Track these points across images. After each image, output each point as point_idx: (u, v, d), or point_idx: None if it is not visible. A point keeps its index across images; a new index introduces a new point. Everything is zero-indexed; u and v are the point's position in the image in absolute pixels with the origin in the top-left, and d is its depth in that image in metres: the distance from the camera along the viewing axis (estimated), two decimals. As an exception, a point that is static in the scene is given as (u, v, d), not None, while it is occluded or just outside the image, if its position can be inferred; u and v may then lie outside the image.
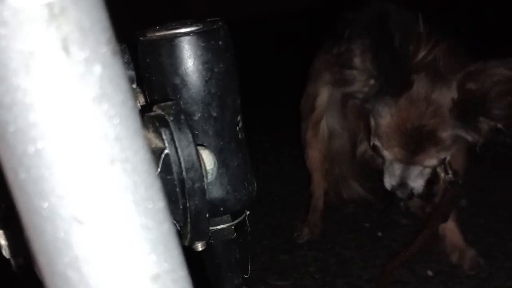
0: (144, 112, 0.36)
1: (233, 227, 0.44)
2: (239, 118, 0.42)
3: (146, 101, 0.42)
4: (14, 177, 0.20)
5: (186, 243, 0.38)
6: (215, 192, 0.41)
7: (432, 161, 1.07)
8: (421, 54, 1.00)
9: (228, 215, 0.43)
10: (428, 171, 1.13)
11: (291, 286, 1.22)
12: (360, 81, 1.04)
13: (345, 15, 1.28)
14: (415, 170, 1.11)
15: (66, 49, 0.19)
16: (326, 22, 1.40)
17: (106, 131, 0.20)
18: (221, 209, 0.42)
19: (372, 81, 1.02)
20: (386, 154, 1.09)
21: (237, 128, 0.42)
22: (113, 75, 0.20)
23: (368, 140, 1.15)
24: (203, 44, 0.38)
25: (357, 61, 1.02)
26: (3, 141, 0.20)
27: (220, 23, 0.40)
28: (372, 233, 1.42)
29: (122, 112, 0.20)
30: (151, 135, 0.35)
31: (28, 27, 0.19)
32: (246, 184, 0.42)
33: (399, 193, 1.14)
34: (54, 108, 0.19)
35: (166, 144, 0.35)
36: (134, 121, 0.21)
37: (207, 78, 0.39)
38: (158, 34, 0.38)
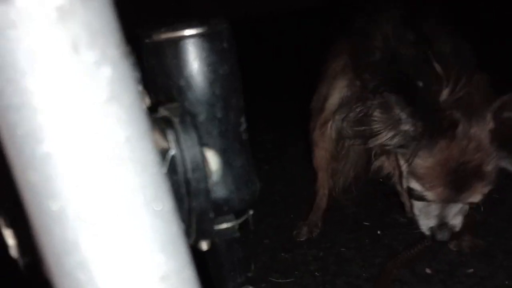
0: (149, 113, 0.36)
1: (236, 226, 0.44)
2: (242, 118, 0.42)
3: (151, 102, 0.43)
4: (23, 179, 0.20)
5: (191, 243, 0.38)
6: (219, 191, 0.41)
7: (478, 197, 1.05)
8: (445, 92, 1.00)
9: (232, 214, 0.44)
10: (466, 207, 1.09)
11: (291, 285, 1.22)
12: (387, 131, 1.03)
13: (361, 13, 1.30)
14: (454, 208, 1.08)
15: (75, 51, 0.19)
16: (330, 20, 1.41)
17: (116, 133, 0.20)
18: (225, 208, 0.42)
19: (402, 128, 1.01)
20: (429, 195, 1.06)
21: (241, 128, 0.42)
22: (123, 77, 0.21)
23: (400, 183, 1.13)
24: (208, 46, 0.38)
25: (377, 114, 1.02)
26: (12, 143, 0.20)
27: (224, 24, 0.40)
28: (372, 232, 1.43)
29: (132, 114, 0.20)
30: (157, 136, 0.35)
31: (37, 29, 0.19)
32: (249, 184, 0.43)
33: (439, 235, 1.09)
34: (63, 110, 0.20)
35: (172, 145, 0.35)
36: (143, 122, 0.21)
37: (211, 80, 0.39)
38: (163, 36, 0.38)
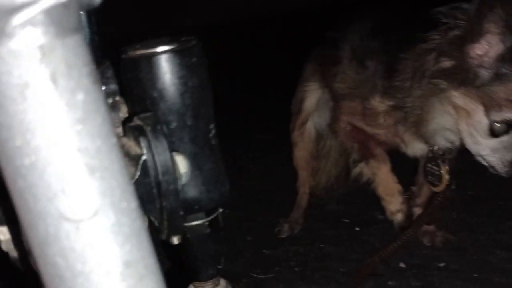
0: (126, 122, 0.40)
1: (207, 223, 0.49)
2: (212, 126, 0.46)
3: (128, 110, 0.47)
4: (13, 184, 0.25)
5: (164, 238, 0.42)
6: (190, 192, 0.46)
7: None
8: None
9: (203, 212, 0.48)
10: None
11: (272, 280, 1.27)
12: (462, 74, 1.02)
13: (335, 24, 1.36)
14: None
15: (54, 81, 0.24)
16: (326, 21, 1.47)
17: (88, 146, 0.25)
18: (196, 207, 0.46)
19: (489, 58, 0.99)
20: None
21: (210, 135, 0.46)
22: (94, 100, 0.25)
23: (475, 130, 1.06)
24: (178, 61, 0.43)
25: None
26: (4, 154, 0.24)
27: (193, 41, 0.45)
28: (351, 228, 1.48)
29: (101, 131, 0.25)
30: (131, 143, 0.40)
31: (24, 64, 0.24)
32: (218, 185, 0.47)
33: None
34: (46, 128, 0.24)
35: (144, 151, 0.39)
36: (111, 137, 0.26)
37: (182, 91, 0.44)
38: (138, 52, 0.43)
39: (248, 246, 1.44)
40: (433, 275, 1.22)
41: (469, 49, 0.99)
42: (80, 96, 0.25)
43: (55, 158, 0.24)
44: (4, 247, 0.35)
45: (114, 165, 0.26)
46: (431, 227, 1.36)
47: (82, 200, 0.25)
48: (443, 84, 1.04)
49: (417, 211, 1.39)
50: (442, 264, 1.26)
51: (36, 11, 0.22)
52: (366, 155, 1.26)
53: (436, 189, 1.20)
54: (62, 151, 0.24)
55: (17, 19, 0.23)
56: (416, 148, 1.21)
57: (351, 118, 1.25)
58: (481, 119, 1.05)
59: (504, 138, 1.05)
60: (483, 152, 1.08)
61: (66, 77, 0.24)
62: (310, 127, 1.49)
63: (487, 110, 1.03)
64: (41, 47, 0.23)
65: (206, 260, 0.51)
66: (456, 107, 1.06)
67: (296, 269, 1.30)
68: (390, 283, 1.21)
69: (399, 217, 1.25)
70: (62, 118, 0.24)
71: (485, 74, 1.01)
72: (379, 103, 1.17)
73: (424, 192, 1.38)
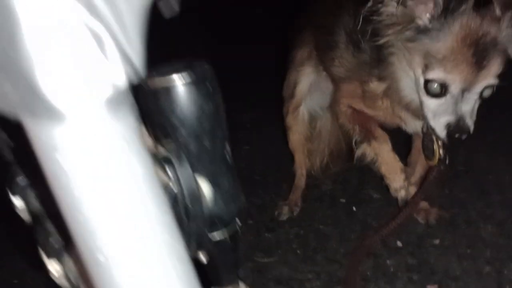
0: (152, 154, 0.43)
1: (227, 235, 0.52)
2: (227, 145, 0.50)
3: (150, 136, 0.50)
4: (70, 216, 0.28)
5: (191, 255, 0.46)
6: (211, 209, 0.49)
7: (492, 79, 1.04)
8: None
9: (223, 226, 0.52)
10: (477, 104, 1.08)
11: (275, 263, 1.32)
12: (400, 24, 1.04)
13: (323, 8, 1.37)
14: (469, 103, 1.06)
15: (113, 150, 0.27)
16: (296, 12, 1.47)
17: (138, 184, 0.28)
18: (217, 222, 0.50)
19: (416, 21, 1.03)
20: (451, 78, 1.03)
21: (226, 154, 0.50)
22: (144, 164, 0.28)
23: (419, 88, 1.08)
24: (195, 90, 0.46)
25: (391, 8, 1.04)
26: (65, 202, 0.28)
27: (205, 66, 0.47)
28: (348, 208, 1.53)
29: (146, 171, 0.28)
30: (158, 171, 0.43)
31: (84, 143, 0.26)
32: (235, 200, 0.51)
33: (457, 131, 1.06)
34: (106, 174, 0.27)
35: (171, 178, 0.43)
36: (153, 175, 0.29)
37: (199, 117, 0.47)
38: (157, 83, 0.46)
39: (250, 229, 1.48)
40: (429, 252, 1.28)
41: (410, 3, 1.02)
42: (133, 162, 0.28)
43: (107, 204, 0.27)
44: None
45: (157, 199, 0.29)
46: (424, 205, 1.41)
47: (133, 231, 0.28)
48: (387, 31, 1.06)
49: (412, 189, 1.44)
50: (437, 241, 1.32)
51: (98, 101, 0.25)
52: (367, 136, 1.29)
53: (431, 163, 1.23)
54: (115, 203, 0.28)
55: (81, 105, 0.25)
56: (415, 125, 1.24)
57: (351, 101, 1.27)
58: (419, 77, 1.07)
59: (442, 100, 1.06)
60: (427, 115, 1.10)
61: (122, 148, 0.27)
62: (303, 111, 1.53)
63: (424, 67, 1.05)
64: (101, 129, 0.26)
65: (227, 268, 0.55)
66: (408, 64, 1.08)
67: (298, 251, 1.35)
68: (388, 262, 1.26)
69: (402, 194, 1.28)
70: (120, 188, 0.27)
71: (420, 29, 1.02)
72: (377, 86, 1.20)
73: (417, 170, 1.42)
